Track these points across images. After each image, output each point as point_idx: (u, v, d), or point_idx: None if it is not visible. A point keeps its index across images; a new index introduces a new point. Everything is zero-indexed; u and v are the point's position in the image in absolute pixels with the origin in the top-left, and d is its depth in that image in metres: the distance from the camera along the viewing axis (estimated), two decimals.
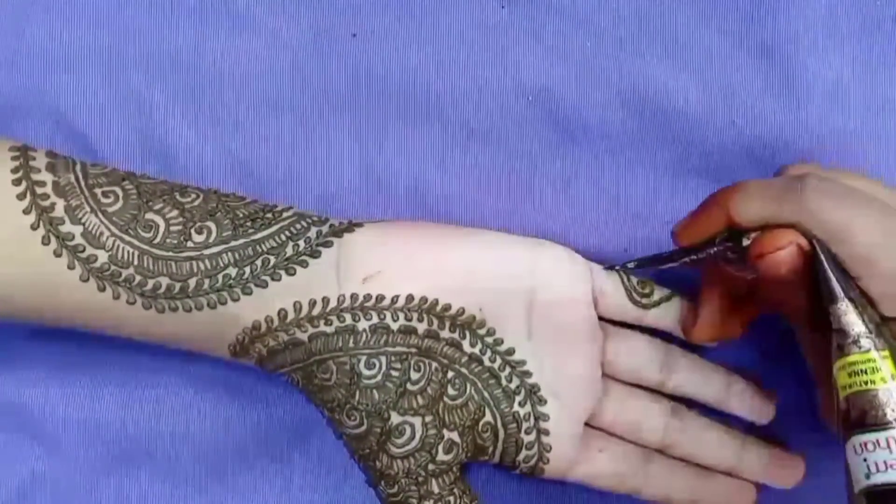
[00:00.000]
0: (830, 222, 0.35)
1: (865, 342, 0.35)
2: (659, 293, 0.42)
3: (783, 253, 0.35)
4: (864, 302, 0.35)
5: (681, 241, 0.38)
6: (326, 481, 0.44)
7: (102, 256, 0.38)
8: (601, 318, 0.42)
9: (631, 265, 0.41)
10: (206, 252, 0.38)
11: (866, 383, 0.34)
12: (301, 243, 0.39)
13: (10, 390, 0.43)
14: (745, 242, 0.36)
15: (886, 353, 0.34)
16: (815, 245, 0.35)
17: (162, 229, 0.38)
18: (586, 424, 0.42)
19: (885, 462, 0.33)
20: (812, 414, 0.44)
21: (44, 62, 0.43)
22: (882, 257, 0.35)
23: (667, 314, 0.42)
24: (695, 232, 0.38)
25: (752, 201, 0.36)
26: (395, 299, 0.39)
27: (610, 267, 0.42)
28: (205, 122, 0.43)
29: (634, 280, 0.42)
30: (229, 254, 0.39)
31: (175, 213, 0.39)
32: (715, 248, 0.37)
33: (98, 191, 0.39)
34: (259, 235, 0.39)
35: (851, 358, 0.35)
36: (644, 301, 0.42)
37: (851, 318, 0.35)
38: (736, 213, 0.36)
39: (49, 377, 0.44)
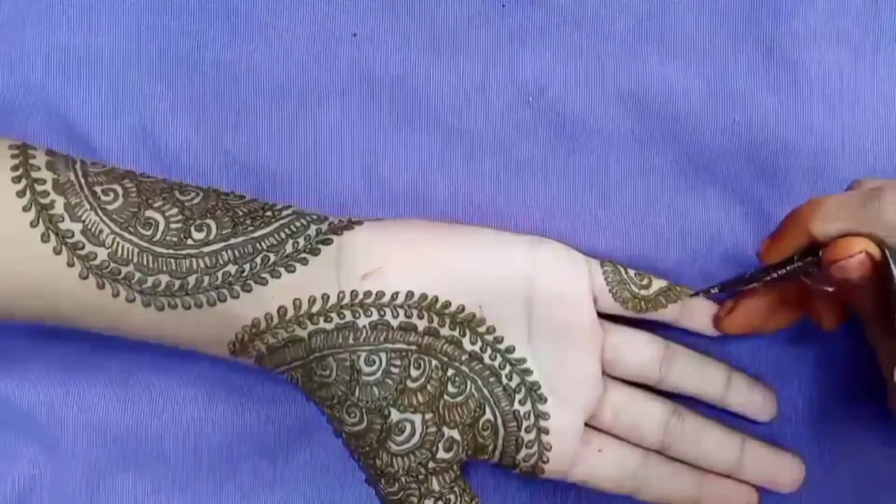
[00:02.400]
0: None
1: None
2: (657, 284, 0.42)
3: (854, 260, 0.35)
4: None
5: (766, 261, 0.39)
6: (326, 481, 0.44)
7: (102, 254, 0.38)
8: (600, 315, 0.42)
9: (715, 290, 0.41)
10: (206, 250, 0.38)
11: None
12: (301, 241, 0.39)
13: (11, 390, 0.43)
14: None
15: None
16: (887, 253, 0.35)
17: (161, 227, 0.38)
18: (586, 425, 0.42)
19: None
20: (812, 416, 0.44)
21: (44, 62, 0.43)
22: None
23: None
24: (778, 251, 0.38)
25: (830, 218, 0.36)
26: (394, 296, 0.39)
27: (607, 262, 0.42)
28: (205, 122, 0.43)
29: (632, 272, 0.42)
30: (229, 251, 0.39)
31: (175, 210, 0.39)
32: (795, 265, 0.38)
33: (98, 188, 0.39)
34: (259, 233, 0.39)
35: None
36: (643, 293, 0.42)
37: None
38: (815, 231, 0.37)
39: (49, 377, 0.44)
